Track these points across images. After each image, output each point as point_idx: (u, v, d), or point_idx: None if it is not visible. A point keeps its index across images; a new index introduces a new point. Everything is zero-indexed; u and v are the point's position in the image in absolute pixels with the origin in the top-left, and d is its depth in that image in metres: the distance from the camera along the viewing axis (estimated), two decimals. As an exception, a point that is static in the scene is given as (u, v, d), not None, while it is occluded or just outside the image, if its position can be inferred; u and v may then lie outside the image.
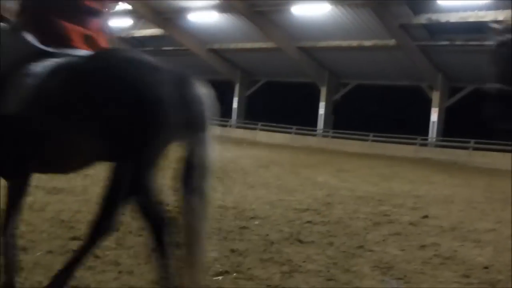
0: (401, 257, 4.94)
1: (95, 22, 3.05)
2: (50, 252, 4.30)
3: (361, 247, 5.21)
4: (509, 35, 3.21)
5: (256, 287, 3.85)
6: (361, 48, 24.70)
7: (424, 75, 24.69)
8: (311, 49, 26.79)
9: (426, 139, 25.08)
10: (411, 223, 6.58)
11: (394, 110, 28.85)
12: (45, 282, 3.56)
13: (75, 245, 4.54)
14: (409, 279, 4.29)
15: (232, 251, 4.72)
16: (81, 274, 3.80)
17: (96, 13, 3.04)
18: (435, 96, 25.21)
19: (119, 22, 29.76)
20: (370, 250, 5.10)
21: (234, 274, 4.08)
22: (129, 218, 5.68)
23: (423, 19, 21.87)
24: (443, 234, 6.16)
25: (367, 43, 24.25)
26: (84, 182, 8.00)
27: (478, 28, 19.16)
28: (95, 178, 8.44)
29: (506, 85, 3.08)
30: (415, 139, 24.94)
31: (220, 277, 3.99)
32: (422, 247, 5.41)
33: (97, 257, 4.25)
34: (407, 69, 24.85)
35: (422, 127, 25.39)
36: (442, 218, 7.06)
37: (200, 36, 28.75)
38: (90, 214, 5.78)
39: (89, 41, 2.96)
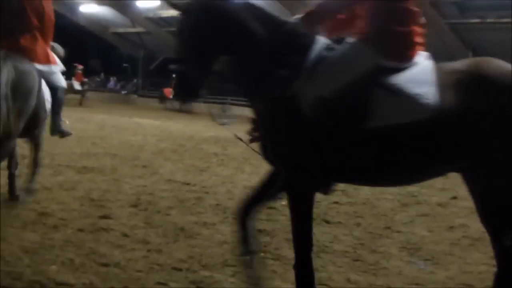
0: (429, 238, 4.90)
1: None
2: (80, 230, 4.38)
3: (388, 228, 5.18)
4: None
5: (283, 266, 3.87)
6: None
7: (455, 54, 24.19)
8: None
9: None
10: (439, 204, 6.51)
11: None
12: (76, 260, 3.65)
13: (104, 223, 4.63)
14: (437, 260, 4.26)
15: (259, 231, 4.74)
16: (111, 252, 3.87)
17: None
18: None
19: (147, 3, 29.79)
20: (398, 231, 5.07)
21: (262, 254, 4.11)
22: (156, 198, 5.77)
23: (453, -4, 21.39)
24: (472, 215, 6.03)
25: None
26: (113, 161, 8.12)
27: (510, 5, 18.62)
28: (123, 158, 8.57)
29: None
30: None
31: (248, 257, 4.02)
32: (451, 228, 5.35)
33: (126, 235, 4.33)
34: (436, 48, 24.36)
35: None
36: (471, 199, 6.96)
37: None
38: (119, 193, 5.89)
39: None
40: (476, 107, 2.82)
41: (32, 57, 4.69)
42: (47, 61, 4.91)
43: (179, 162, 8.73)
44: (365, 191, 7.09)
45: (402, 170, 3.01)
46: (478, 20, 21.76)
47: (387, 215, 5.76)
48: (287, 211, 5.58)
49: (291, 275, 3.68)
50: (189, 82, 2.96)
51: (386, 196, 6.86)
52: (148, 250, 4.00)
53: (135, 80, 35.37)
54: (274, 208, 5.74)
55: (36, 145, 5.28)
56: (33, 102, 4.51)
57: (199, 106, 30.87)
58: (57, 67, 5.14)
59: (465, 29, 22.87)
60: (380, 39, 2.96)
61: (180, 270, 3.60)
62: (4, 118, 4.16)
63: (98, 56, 38.61)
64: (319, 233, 4.82)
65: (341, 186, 7.35)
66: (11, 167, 5.22)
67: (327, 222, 5.27)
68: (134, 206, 5.35)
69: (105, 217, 4.84)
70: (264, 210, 5.65)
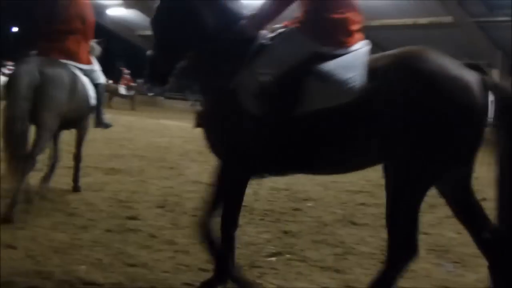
0: (458, 240, 4.82)
1: None
2: (108, 230, 4.44)
3: (416, 229, 5.12)
4: None
5: (309, 268, 3.86)
6: (416, 26, 24.01)
7: (483, 53, 23.79)
8: (363, 29, 26.27)
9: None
10: (468, 206, 6.41)
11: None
12: (104, 260, 3.70)
13: (132, 224, 4.68)
14: (466, 263, 4.20)
15: (285, 232, 4.74)
16: (139, 253, 3.91)
17: None
18: (495, 75, 24.27)
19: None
20: (426, 233, 5.00)
21: (287, 256, 4.11)
22: (183, 199, 5.81)
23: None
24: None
25: (423, 20, 23.54)
26: (140, 163, 8.19)
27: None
28: (150, 159, 8.64)
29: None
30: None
31: (274, 258, 4.02)
32: (480, 230, 5.26)
33: (153, 236, 4.36)
34: (464, 47, 24.00)
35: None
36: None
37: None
38: (146, 195, 5.94)
39: None
40: (397, 95, 2.75)
41: (76, 58, 5.22)
42: (88, 61, 5.46)
43: (205, 163, 8.74)
44: (392, 193, 7.02)
45: (333, 156, 2.98)
46: (507, 18, 21.39)
47: (415, 217, 5.69)
48: (313, 213, 5.62)
49: (318, 276, 3.69)
50: (156, 69, 3.16)
51: (414, 198, 6.78)
52: (175, 251, 4.03)
53: (161, 82, 35.58)
54: (299, 209, 5.74)
55: (80, 138, 5.80)
56: (62, 100, 4.86)
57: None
58: (96, 66, 5.69)
59: (493, 28, 22.51)
60: (315, 26, 3.01)
61: (207, 271, 3.60)
62: (23, 115, 4.55)
63: (125, 58, 39.05)
64: (346, 234, 4.80)
65: (367, 187, 7.33)
66: (52, 157, 5.64)
67: (354, 223, 5.24)
68: (161, 207, 5.40)
69: (132, 218, 4.89)
70: (290, 211, 5.66)
